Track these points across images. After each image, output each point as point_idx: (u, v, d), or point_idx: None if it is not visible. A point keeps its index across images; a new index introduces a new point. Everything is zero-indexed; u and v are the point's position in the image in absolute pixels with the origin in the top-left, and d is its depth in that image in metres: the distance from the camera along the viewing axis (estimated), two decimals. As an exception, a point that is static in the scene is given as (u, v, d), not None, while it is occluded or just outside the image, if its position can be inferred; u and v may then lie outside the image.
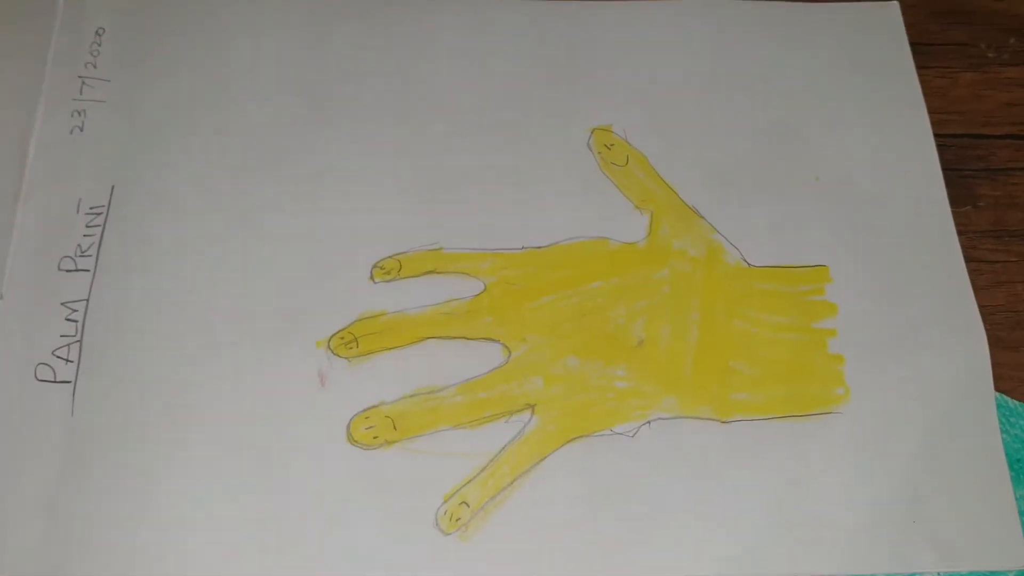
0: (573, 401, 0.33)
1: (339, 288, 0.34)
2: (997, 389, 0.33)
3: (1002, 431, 0.32)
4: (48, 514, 0.30)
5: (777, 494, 0.31)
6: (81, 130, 0.37)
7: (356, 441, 0.32)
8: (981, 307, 0.34)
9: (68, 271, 0.34)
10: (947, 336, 0.34)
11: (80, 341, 0.33)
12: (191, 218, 0.35)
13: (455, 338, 0.34)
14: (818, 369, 0.33)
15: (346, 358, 0.33)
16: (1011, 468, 0.32)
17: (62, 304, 0.33)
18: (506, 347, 0.34)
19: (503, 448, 0.32)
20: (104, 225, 0.35)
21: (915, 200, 0.36)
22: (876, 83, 0.39)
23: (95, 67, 0.38)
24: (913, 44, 0.40)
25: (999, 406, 0.33)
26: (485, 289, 0.35)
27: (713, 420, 0.32)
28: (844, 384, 0.33)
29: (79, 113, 0.37)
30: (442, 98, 0.38)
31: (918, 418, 0.33)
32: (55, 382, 0.32)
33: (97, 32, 0.39)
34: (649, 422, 0.32)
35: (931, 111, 0.38)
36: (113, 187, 0.36)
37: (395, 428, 0.32)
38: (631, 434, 0.32)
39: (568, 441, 0.32)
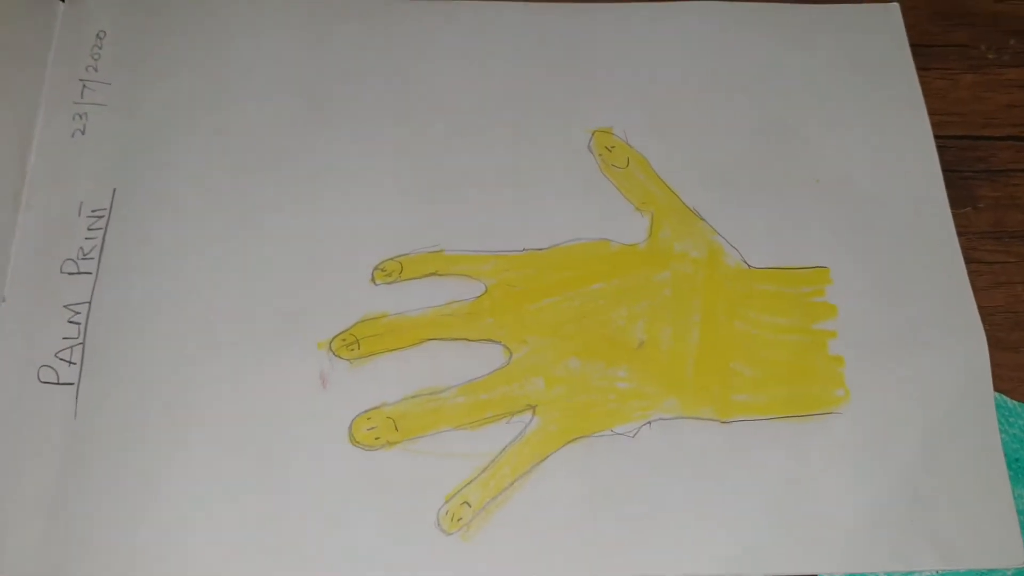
0: (574, 402, 0.33)
1: (340, 290, 0.34)
2: (996, 389, 0.33)
3: (1001, 431, 0.33)
4: (50, 515, 0.31)
5: (777, 494, 0.32)
6: (82, 133, 0.37)
7: (358, 442, 0.32)
8: (981, 308, 0.34)
9: (70, 274, 0.34)
10: (947, 337, 0.34)
11: (83, 343, 0.33)
12: (192, 220, 0.35)
13: (456, 339, 0.34)
14: (818, 370, 0.33)
15: (348, 359, 0.33)
16: (1010, 468, 0.32)
17: (64, 306, 0.34)
18: (507, 348, 0.34)
19: (504, 449, 0.32)
20: (106, 228, 0.35)
21: (915, 201, 0.37)
22: (877, 84, 0.39)
23: (96, 70, 0.38)
24: (914, 46, 0.40)
25: (998, 406, 0.33)
26: (486, 291, 0.35)
27: (714, 421, 0.33)
28: (844, 385, 0.33)
29: (80, 116, 0.37)
30: (443, 99, 0.38)
31: (918, 418, 0.33)
32: (58, 384, 0.32)
33: (98, 35, 0.39)
34: (650, 423, 0.33)
35: (931, 112, 0.38)
36: (114, 190, 0.36)
37: (397, 429, 0.32)
38: (632, 434, 0.32)
39: (569, 441, 0.32)
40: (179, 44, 0.39)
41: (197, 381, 0.33)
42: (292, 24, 0.39)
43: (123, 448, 0.32)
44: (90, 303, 0.34)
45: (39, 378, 0.32)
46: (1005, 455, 0.32)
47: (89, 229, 0.35)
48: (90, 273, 0.34)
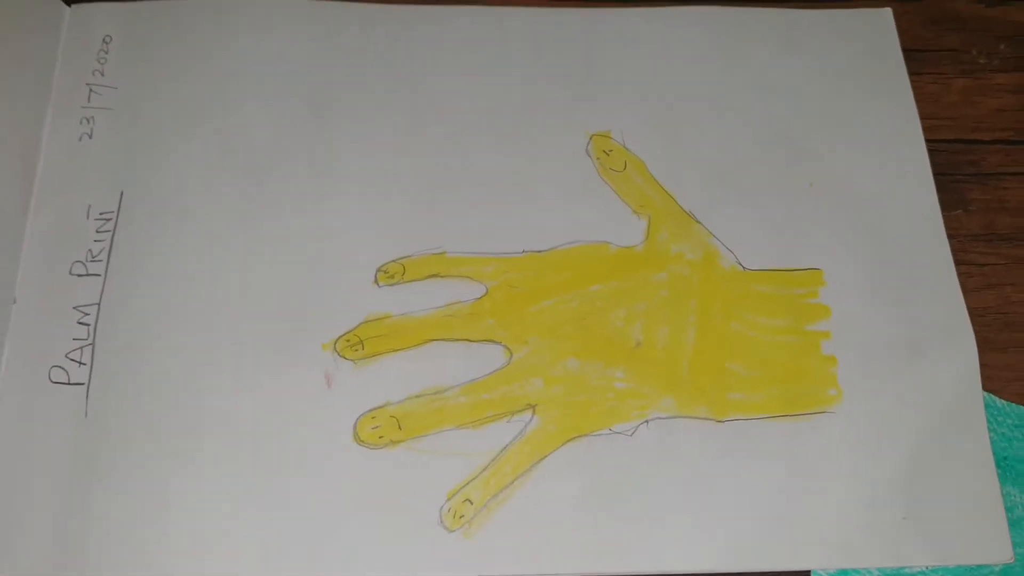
0: (573, 401, 0.33)
1: (344, 292, 0.35)
2: (985, 389, 0.34)
3: (990, 430, 0.33)
4: (61, 513, 0.31)
5: (772, 491, 0.32)
6: (90, 137, 0.37)
7: (362, 441, 0.32)
8: (970, 309, 0.35)
9: (79, 276, 0.35)
10: (937, 337, 0.34)
11: (92, 344, 0.34)
12: (198, 222, 0.36)
13: (458, 340, 0.34)
14: (811, 370, 0.34)
15: (352, 360, 0.34)
16: (998, 466, 0.32)
17: (74, 308, 0.34)
18: (508, 349, 0.34)
19: (505, 447, 0.33)
20: (114, 230, 0.35)
21: (907, 204, 0.37)
22: (870, 89, 0.39)
23: (102, 74, 0.38)
24: (906, 50, 0.40)
25: (987, 406, 0.34)
26: (487, 292, 0.35)
27: (709, 419, 0.33)
28: (836, 385, 0.34)
29: (88, 120, 0.37)
30: (444, 104, 0.38)
31: (908, 417, 0.33)
32: (68, 384, 0.33)
33: (104, 40, 0.39)
34: (647, 421, 0.33)
35: (923, 116, 0.39)
36: (122, 193, 0.36)
37: (400, 428, 0.33)
38: (630, 433, 0.33)
39: (568, 440, 0.33)
40: (184, 49, 0.39)
41: (205, 381, 0.33)
42: (296, 29, 0.40)
43: (132, 446, 0.32)
44: (99, 304, 0.34)
45: (50, 378, 0.33)
46: (994, 453, 0.33)
47: (97, 232, 0.35)
48: (99, 275, 0.35)
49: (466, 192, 0.37)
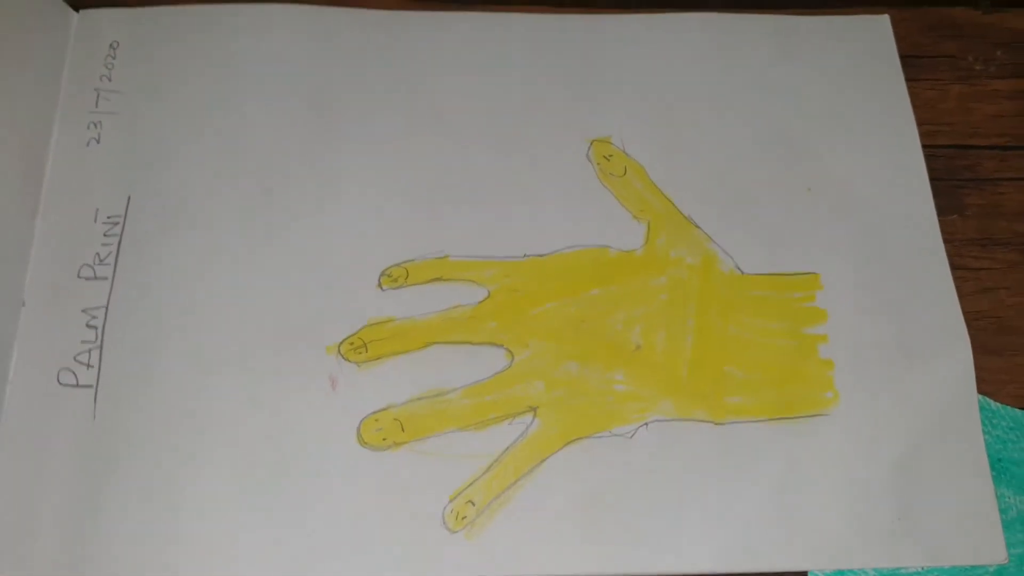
0: (573, 404, 0.34)
1: (348, 295, 0.35)
2: (980, 392, 0.34)
3: (984, 432, 0.33)
4: (69, 513, 0.32)
5: (769, 493, 0.32)
6: (97, 142, 0.37)
7: (366, 443, 0.33)
8: (966, 313, 0.35)
9: (87, 279, 0.35)
10: (933, 341, 0.35)
11: (100, 347, 0.34)
12: (205, 226, 0.36)
13: (460, 343, 0.35)
14: (808, 373, 0.34)
15: (356, 363, 0.34)
16: (992, 468, 0.33)
17: (82, 311, 0.34)
18: (509, 352, 0.35)
19: (507, 449, 0.33)
20: (121, 234, 0.36)
21: (903, 209, 0.37)
22: (867, 94, 0.40)
23: (110, 80, 0.39)
24: (903, 57, 0.40)
25: (982, 408, 0.34)
26: (489, 296, 0.35)
27: (708, 422, 0.33)
28: (833, 388, 0.34)
29: (95, 125, 0.38)
30: (447, 109, 0.39)
31: (904, 420, 0.34)
32: (77, 386, 0.33)
33: (111, 46, 0.39)
34: (646, 424, 0.34)
35: (920, 122, 0.39)
36: (129, 197, 0.36)
37: (403, 430, 0.33)
38: (629, 436, 0.33)
39: (569, 442, 0.33)
40: (190, 54, 0.39)
41: (211, 383, 0.34)
42: (300, 35, 0.40)
43: (140, 448, 0.32)
44: (107, 307, 0.35)
45: (59, 380, 0.33)
46: (988, 455, 0.33)
47: (105, 235, 0.36)
48: (107, 278, 0.35)
49: (468, 197, 0.37)
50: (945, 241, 0.37)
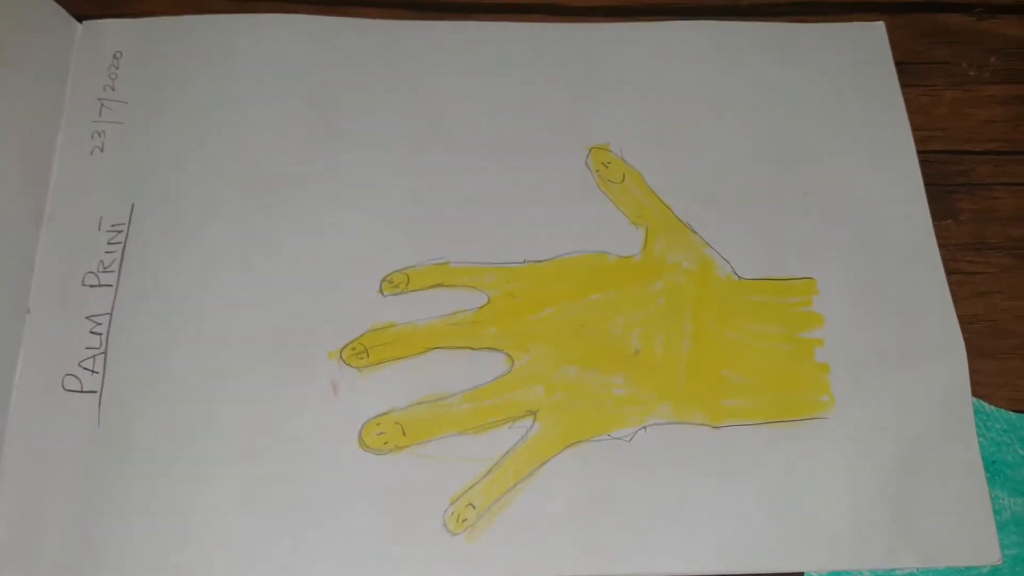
0: (573, 408, 0.34)
1: (350, 301, 0.35)
2: (974, 395, 0.34)
3: (979, 435, 0.34)
4: (74, 520, 0.32)
5: (766, 494, 0.33)
6: (101, 150, 0.38)
7: (368, 446, 0.33)
8: (960, 317, 0.36)
9: (92, 286, 0.35)
10: (928, 344, 0.35)
11: (104, 353, 0.34)
12: (208, 234, 0.36)
13: (461, 348, 0.35)
14: (805, 377, 0.35)
15: (357, 368, 0.34)
16: (987, 470, 0.33)
17: (87, 317, 0.35)
18: (509, 356, 0.35)
19: (507, 453, 0.33)
20: (125, 241, 0.36)
21: (898, 214, 0.38)
22: (862, 100, 0.40)
23: (113, 89, 0.39)
24: (898, 63, 0.41)
25: (976, 411, 0.34)
26: (489, 301, 0.36)
27: (705, 426, 0.34)
28: (829, 392, 0.34)
29: (99, 134, 0.38)
30: (448, 118, 0.39)
31: (899, 422, 0.34)
32: (81, 392, 0.34)
33: (115, 56, 0.40)
34: (645, 428, 0.34)
35: (915, 128, 0.39)
36: (133, 205, 0.37)
37: (404, 434, 0.33)
38: (628, 439, 0.34)
39: (568, 446, 0.33)
40: (192, 64, 0.40)
41: (214, 389, 0.34)
42: (301, 43, 0.40)
43: (143, 453, 0.33)
44: (111, 314, 0.35)
45: (63, 386, 0.34)
46: (982, 458, 0.33)
47: (109, 243, 0.36)
48: (111, 285, 0.35)
49: (469, 204, 0.37)
50: (940, 246, 0.37)
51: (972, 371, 0.35)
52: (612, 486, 0.33)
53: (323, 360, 0.34)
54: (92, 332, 0.35)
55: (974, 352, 0.35)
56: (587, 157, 0.38)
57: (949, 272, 0.37)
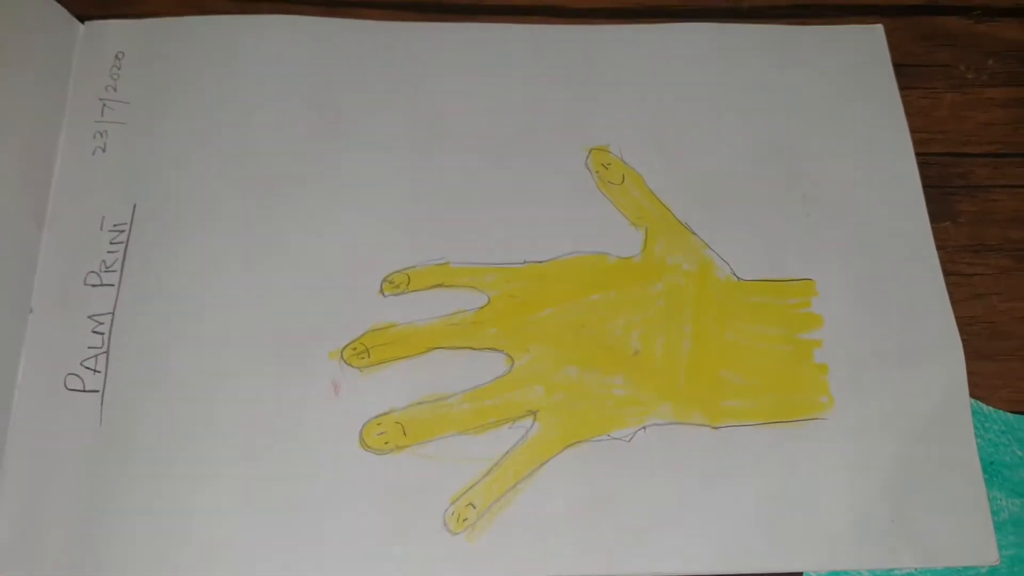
0: (573, 408, 0.34)
1: (351, 302, 0.35)
2: (972, 396, 0.35)
3: (977, 436, 0.34)
4: (77, 518, 0.32)
5: (765, 495, 0.33)
6: (103, 151, 0.38)
7: (368, 446, 0.33)
8: (959, 318, 0.36)
9: (94, 286, 0.36)
10: (926, 346, 0.35)
11: (107, 352, 0.34)
12: (209, 234, 0.37)
13: (461, 348, 0.35)
14: (804, 378, 0.35)
15: (358, 368, 0.34)
16: (984, 471, 0.33)
17: (89, 317, 0.35)
18: (510, 357, 0.35)
19: (507, 453, 0.33)
20: (127, 241, 0.36)
21: (897, 216, 0.38)
22: (861, 103, 0.40)
23: (115, 90, 0.39)
24: (897, 65, 0.41)
25: (974, 412, 0.34)
26: (489, 302, 0.36)
27: (705, 426, 0.34)
28: (828, 392, 0.34)
29: (101, 134, 0.38)
30: (448, 120, 0.39)
31: (898, 423, 0.34)
32: (84, 391, 0.34)
33: (117, 56, 0.40)
34: (645, 428, 0.34)
35: (913, 130, 0.39)
36: (135, 205, 0.37)
37: (405, 434, 0.33)
38: (628, 439, 0.34)
39: (568, 446, 0.34)
40: (194, 64, 0.40)
41: (215, 389, 0.34)
42: (303, 44, 0.40)
43: (145, 452, 0.33)
44: (113, 314, 0.35)
45: (66, 385, 0.34)
46: (980, 459, 0.33)
47: (111, 243, 0.36)
48: (113, 285, 0.36)
49: (469, 204, 0.37)
50: (938, 247, 0.37)
51: (970, 372, 0.35)
52: (612, 486, 0.33)
53: (324, 360, 0.35)
54: (94, 332, 0.35)
55: (972, 353, 0.35)
56: (587, 158, 0.39)
57: (948, 274, 0.37)
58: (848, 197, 0.38)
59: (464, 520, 0.32)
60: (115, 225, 0.37)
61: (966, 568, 0.32)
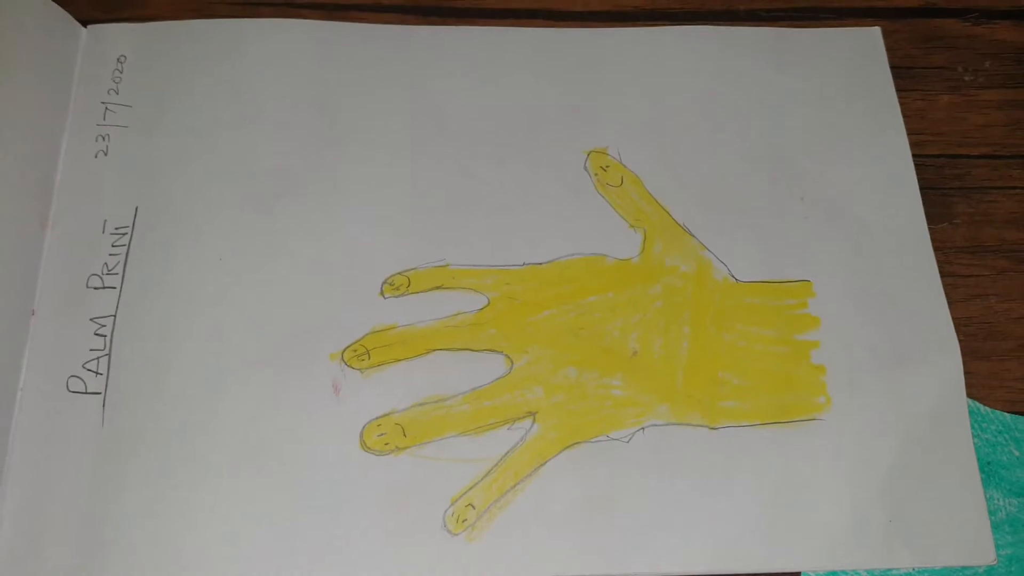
0: (572, 409, 0.34)
1: (352, 303, 0.36)
2: (969, 396, 0.35)
3: (974, 436, 0.34)
4: (79, 518, 0.32)
5: (763, 496, 0.33)
6: (105, 154, 0.38)
7: (369, 448, 0.33)
8: (956, 319, 0.36)
9: (96, 288, 0.36)
10: (923, 347, 0.35)
11: (108, 354, 0.35)
12: (211, 236, 0.37)
13: (461, 350, 0.35)
14: (801, 379, 0.35)
15: (359, 369, 0.35)
16: (982, 470, 0.33)
17: (91, 319, 0.35)
18: (509, 358, 0.35)
19: (506, 454, 0.33)
20: (129, 244, 0.36)
21: (894, 217, 0.38)
22: (859, 105, 0.40)
23: (117, 93, 0.39)
24: (894, 68, 0.41)
25: (971, 412, 0.34)
26: (489, 303, 0.36)
27: (703, 427, 0.34)
28: (826, 393, 0.35)
29: (103, 138, 0.38)
30: (449, 122, 0.39)
31: (895, 424, 0.34)
32: (85, 393, 0.34)
33: (119, 60, 0.40)
34: (643, 429, 0.34)
35: (911, 132, 0.40)
36: (136, 208, 0.37)
37: (405, 435, 0.34)
38: (626, 440, 0.34)
39: (567, 447, 0.34)
40: (196, 68, 0.40)
41: (216, 390, 0.34)
42: (304, 48, 0.41)
43: (147, 453, 0.33)
44: (115, 316, 0.35)
45: (68, 388, 0.34)
46: (977, 459, 0.34)
47: (113, 246, 0.36)
48: (115, 288, 0.36)
49: (469, 207, 0.38)
50: (935, 249, 0.37)
51: (967, 373, 0.35)
52: (611, 487, 0.33)
53: (325, 362, 0.35)
54: (96, 334, 0.35)
55: (969, 354, 0.35)
56: (586, 161, 0.39)
57: (944, 275, 0.37)
58: (846, 199, 0.38)
59: (464, 521, 0.32)
60: (117, 228, 0.37)
61: (963, 568, 0.33)
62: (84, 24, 0.41)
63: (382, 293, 0.36)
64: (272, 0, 0.42)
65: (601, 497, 0.33)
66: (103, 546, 0.32)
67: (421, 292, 0.36)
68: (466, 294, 0.36)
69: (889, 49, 0.42)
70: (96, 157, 0.38)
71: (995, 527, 0.33)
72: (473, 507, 0.33)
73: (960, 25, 0.43)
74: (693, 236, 0.38)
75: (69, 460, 0.33)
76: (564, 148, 0.39)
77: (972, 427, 0.34)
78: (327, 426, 0.34)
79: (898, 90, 0.41)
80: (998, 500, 0.34)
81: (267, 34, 0.41)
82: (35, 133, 0.37)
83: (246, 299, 0.36)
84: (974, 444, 0.34)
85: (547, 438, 0.34)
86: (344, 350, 0.35)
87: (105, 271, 0.36)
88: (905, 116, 0.40)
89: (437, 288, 0.36)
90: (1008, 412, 0.35)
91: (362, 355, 0.35)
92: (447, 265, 0.37)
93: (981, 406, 0.35)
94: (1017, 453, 0.34)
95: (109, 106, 0.39)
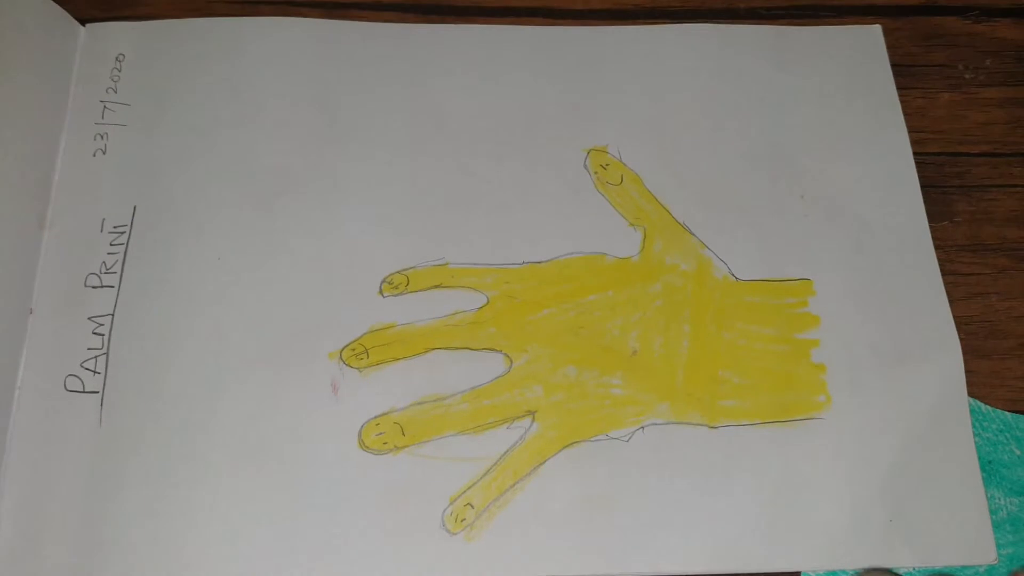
0: (571, 408, 0.34)
1: (350, 302, 0.36)
2: (970, 395, 0.35)
3: (975, 435, 0.34)
4: (77, 519, 0.32)
5: (763, 495, 0.33)
6: (104, 153, 0.38)
7: (367, 447, 0.33)
8: (957, 318, 0.36)
9: (94, 287, 0.36)
10: (924, 345, 0.35)
11: (106, 354, 0.35)
12: (210, 235, 0.37)
13: (460, 348, 0.35)
14: (801, 377, 0.35)
15: (357, 368, 0.35)
16: (983, 469, 0.33)
17: (89, 318, 0.35)
18: (508, 357, 0.35)
19: (505, 453, 0.33)
20: (127, 243, 0.36)
21: (895, 216, 0.38)
22: (859, 103, 0.40)
23: (116, 92, 0.39)
24: (895, 66, 0.41)
25: (972, 411, 0.34)
26: (488, 302, 0.36)
27: (703, 426, 0.34)
28: (826, 392, 0.35)
29: (101, 136, 0.38)
30: (448, 122, 0.39)
31: (896, 423, 0.34)
32: (83, 392, 0.34)
33: (117, 59, 0.40)
34: (643, 428, 0.34)
35: (911, 130, 0.39)
36: (135, 207, 0.37)
37: (404, 434, 0.34)
38: (626, 439, 0.34)
39: (567, 446, 0.34)
40: (194, 67, 0.40)
41: (214, 390, 0.34)
42: (304, 46, 0.41)
43: (145, 452, 0.33)
44: (113, 315, 0.35)
45: (66, 387, 0.34)
46: (979, 458, 0.33)
47: (111, 245, 0.36)
48: (113, 287, 0.36)
49: (468, 206, 0.38)
50: (936, 247, 0.37)
51: (968, 371, 0.35)
52: (610, 486, 0.33)
53: (323, 361, 0.35)
54: (94, 333, 0.35)
55: (970, 353, 0.35)
56: (586, 159, 0.39)
57: (945, 273, 0.37)
58: (846, 197, 0.38)
59: (463, 520, 0.32)
60: (115, 227, 0.37)
61: (964, 567, 0.32)
62: (83, 22, 0.41)
63: (381, 292, 0.36)
64: (271, -2, 0.42)
65: (600, 496, 0.33)
66: (102, 545, 0.32)
67: (420, 291, 0.36)
68: (465, 293, 0.36)
69: (890, 47, 0.42)
70: (94, 156, 0.38)
71: (996, 526, 0.33)
72: (472, 506, 0.32)
73: (961, 23, 0.43)
74: (693, 234, 0.37)
75: (67, 459, 0.33)
76: (564, 146, 0.39)
77: (973, 426, 0.34)
78: (326, 425, 0.34)
79: (899, 88, 0.41)
80: (999, 499, 0.34)
81: (266, 33, 0.41)
82: (33, 132, 0.37)
83: (245, 298, 0.36)
84: (975, 443, 0.34)
85: (546, 437, 0.34)
86: (343, 349, 0.35)
87: (103, 270, 0.36)
88: (906, 114, 0.40)
89: (436, 287, 0.36)
90: (1009, 411, 0.35)
91: (361, 354, 0.35)
92: (446, 264, 0.36)
93: (982, 405, 0.35)
94: (1018, 452, 0.34)
95: (108, 105, 0.39)
